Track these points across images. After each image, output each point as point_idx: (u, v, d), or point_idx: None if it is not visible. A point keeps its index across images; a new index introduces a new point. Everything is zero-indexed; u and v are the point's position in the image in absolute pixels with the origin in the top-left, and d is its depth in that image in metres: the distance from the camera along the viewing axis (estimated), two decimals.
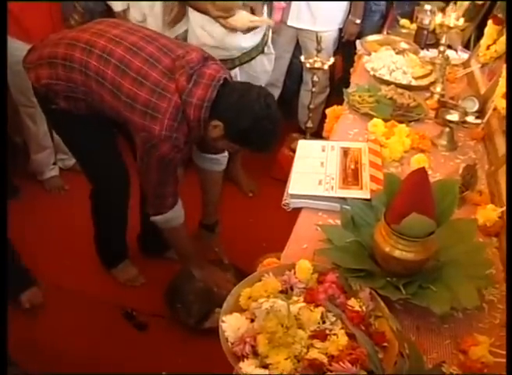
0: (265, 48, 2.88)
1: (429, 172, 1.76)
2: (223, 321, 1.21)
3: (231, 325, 1.19)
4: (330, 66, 3.06)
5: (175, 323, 2.49)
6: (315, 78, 2.98)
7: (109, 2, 2.89)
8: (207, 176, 2.42)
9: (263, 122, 1.86)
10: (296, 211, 1.70)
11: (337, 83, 3.74)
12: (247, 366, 1.11)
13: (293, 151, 3.49)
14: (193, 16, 2.65)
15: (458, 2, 2.78)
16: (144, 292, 2.66)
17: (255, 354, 1.14)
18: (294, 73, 3.64)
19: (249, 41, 2.69)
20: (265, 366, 1.11)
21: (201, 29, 2.62)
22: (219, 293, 2.35)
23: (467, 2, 2.84)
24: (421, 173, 1.27)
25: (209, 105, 1.86)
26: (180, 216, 2.19)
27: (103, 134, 2.23)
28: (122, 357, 2.36)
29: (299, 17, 3.22)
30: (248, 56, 2.80)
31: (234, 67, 2.73)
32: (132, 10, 2.81)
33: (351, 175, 1.73)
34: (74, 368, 2.28)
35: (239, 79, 2.75)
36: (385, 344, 1.17)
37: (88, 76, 1.95)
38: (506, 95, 1.79)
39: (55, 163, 3.36)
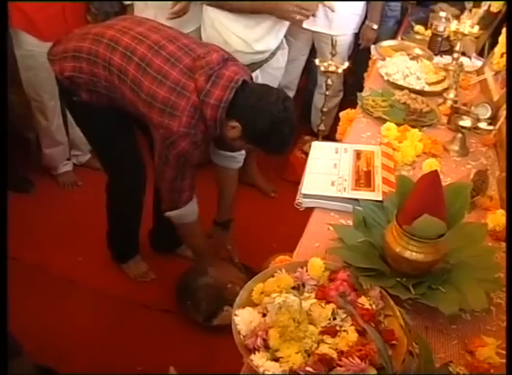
0: (283, 44, 2.93)
1: (441, 176, 1.80)
2: (236, 315, 1.23)
3: (243, 318, 1.22)
4: (344, 70, 3.08)
5: (184, 319, 2.52)
6: (329, 81, 2.99)
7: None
8: (223, 173, 2.45)
9: (280, 125, 1.91)
10: (307, 212, 1.72)
11: (350, 88, 3.78)
12: (258, 358, 1.13)
13: (305, 153, 3.55)
14: (225, 22, 2.63)
15: (473, 10, 2.80)
16: (154, 288, 2.70)
17: (266, 347, 1.16)
18: (314, 76, 3.66)
19: (277, 41, 2.74)
20: (276, 359, 1.13)
21: (235, 36, 2.63)
22: (229, 291, 2.39)
23: (482, 10, 2.87)
24: (434, 175, 1.29)
25: (226, 106, 1.90)
26: (194, 212, 2.23)
27: (122, 127, 2.27)
28: (131, 350, 2.39)
29: (314, 20, 3.22)
30: (273, 54, 2.84)
31: (259, 67, 2.76)
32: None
33: (364, 177, 1.76)
34: (82, 361, 2.32)
35: (260, 78, 2.76)
36: (394, 342, 1.19)
37: (111, 72, 2.00)
38: (507, 95, 1.81)
39: (68, 159, 3.41)
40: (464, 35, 2.36)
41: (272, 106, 1.89)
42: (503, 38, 2.42)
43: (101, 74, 2.02)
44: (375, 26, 3.33)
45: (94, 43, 2.03)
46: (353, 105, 2.36)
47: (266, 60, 2.81)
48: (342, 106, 3.28)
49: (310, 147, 3.49)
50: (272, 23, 2.61)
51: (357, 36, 3.42)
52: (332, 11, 2.85)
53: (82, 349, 2.37)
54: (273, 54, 2.83)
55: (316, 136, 3.29)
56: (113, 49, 1.99)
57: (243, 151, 2.39)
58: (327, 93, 3.07)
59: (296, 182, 1.84)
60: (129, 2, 2.88)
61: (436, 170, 1.32)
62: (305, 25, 3.12)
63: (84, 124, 2.33)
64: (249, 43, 2.64)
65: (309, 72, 3.69)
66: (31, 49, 2.87)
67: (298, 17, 2.55)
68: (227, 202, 2.55)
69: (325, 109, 3.13)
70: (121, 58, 1.97)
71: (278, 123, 1.90)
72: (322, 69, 2.90)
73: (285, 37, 2.86)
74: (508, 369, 1.10)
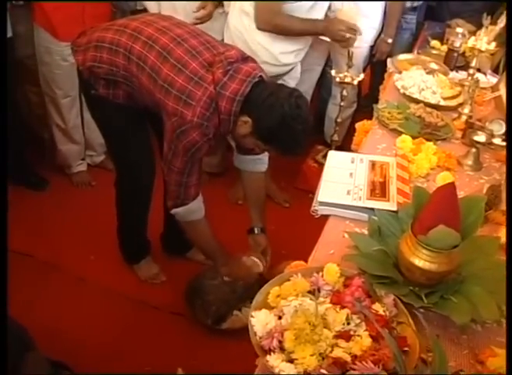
0: None
1: None
2: (252, 316, 1.26)
3: (260, 320, 1.24)
4: (358, 82, 3.12)
5: (193, 321, 2.55)
6: (344, 92, 3.04)
7: (145, 3, 2.99)
8: (252, 177, 2.39)
9: (292, 122, 1.86)
10: (318, 220, 1.74)
11: (364, 100, 3.82)
12: (273, 359, 1.16)
13: (318, 162, 3.59)
14: (254, 34, 2.70)
15: (490, 27, 2.83)
16: (165, 290, 2.73)
17: (282, 349, 1.19)
18: (328, 86, 3.70)
19: (302, 55, 2.81)
20: (291, 361, 1.16)
21: (262, 47, 2.71)
22: (239, 295, 2.41)
23: (498, 27, 2.90)
24: (451, 187, 1.32)
25: (241, 100, 1.89)
26: (201, 209, 2.19)
27: (136, 124, 2.29)
28: (139, 351, 2.42)
29: None
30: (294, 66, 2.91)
31: (280, 78, 2.82)
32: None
33: (379, 187, 1.79)
34: (92, 359, 2.34)
35: None
36: (407, 348, 1.22)
37: (130, 61, 2.01)
38: (507, 97, 1.82)
39: (83, 159, 3.46)
40: (481, 52, 2.39)
41: (284, 102, 1.86)
42: None
43: (120, 63, 2.03)
44: (390, 40, 3.37)
45: (117, 33, 2.06)
46: (367, 117, 2.39)
47: (288, 72, 2.86)
48: (355, 117, 3.33)
49: (322, 156, 3.57)
50: (304, 39, 2.67)
51: (372, 48, 3.46)
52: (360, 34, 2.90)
53: (91, 347, 2.40)
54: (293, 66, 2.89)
55: (329, 146, 3.34)
56: (136, 38, 2.01)
57: (267, 153, 2.34)
58: (342, 104, 3.12)
59: (309, 191, 1.86)
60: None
61: (453, 182, 1.34)
62: (322, 36, 3.17)
63: (99, 118, 2.37)
64: (275, 55, 2.70)
65: (323, 82, 3.73)
66: (48, 46, 2.94)
67: (348, 36, 2.62)
68: (260, 208, 2.46)
69: (339, 120, 3.19)
70: (142, 46, 1.99)
71: (289, 119, 1.85)
72: (338, 80, 2.96)
73: None
74: (508, 370, 1.12)
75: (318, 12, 2.72)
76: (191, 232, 2.29)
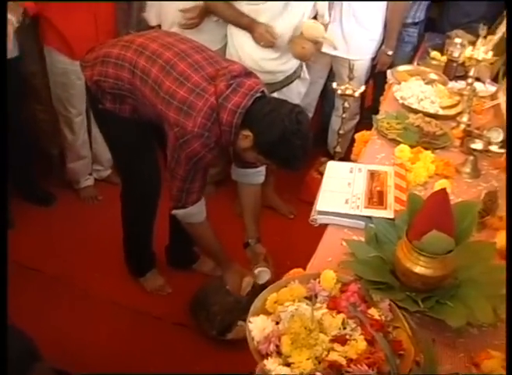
0: (302, 73, 3.03)
1: (452, 197, 1.84)
2: (250, 322, 1.29)
3: (257, 325, 1.27)
4: (361, 94, 3.16)
5: (198, 332, 2.57)
6: (346, 104, 3.07)
7: (145, 16, 3.06)
8: (250, 189, 2.41)
9: (291, 137, 1.88)
10: (322, 231, 1.77)
11: (367, 112, 3.85)
12: (270, 363, 1.18)
13: (321, 174, 3.57)
14: (240, 39, 2.79)
15: (488, 37, 2.86)
16: (170, 301, 2.75)
17: (279, 353, 1.21)
18: (331, 99, 3.74)
19: (289, 64, 2.82)
20: (288, 365, 1.18)
21: (247, 53, 2.78)
22: (243, 305, 2.42)
23: (496, 37, 2.93)
24: (443, 193, 1.35)
25: (243, 112, 1.92)
26: (201, 213, 2.21)
27: (142, 137, 2.33)
28: (145, 362, 2.44)
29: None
30: (289, 80, 2.95)
31: (276, 90, 2.85)
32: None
33: (376, 196, 1.82)
34: (98, 369, 2.36)
35: None
36: (402, 352, 1.24)
37: (135, 75, 2.06)
38: (507, 98, 1.84)
39: (90, 174, 3.51)
40: (478, 61, 2.42)
41: (285, 117, 1.88)
42: None
43: (125, 77, 2.08)
44: (390, 52, 3.40)
45: (123, 48, 2.11)
46: (369, 128, 2.42)
47: (282, 83, 2.90)
48: (358, 129, 3.35)
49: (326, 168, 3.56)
50: (283, 47, 2.72)
51: (373, 60, 3.49)
52: (335, 49, 3.03)
53: (97, 358, 2.42)
54: (289, 78, 2.93)
55: (332, 157, 3.37)
56: (140, 53, 2.06)
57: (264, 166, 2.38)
58: (344, 116, 3.15)
59: (312, 202, 1.86)
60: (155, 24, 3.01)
61: (445, 189, 1.37)
62: (324, 49, 3.22)
63: (107, 132, 2.43)
64: (256, 60, 2.76)
65: (326, 94, 3.77)
66: (64, 67, 2.99)
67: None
68: (255, 219, 2.47)
69: (341, 132, 3.22)
70: (146, 61, 2.04)
71: (289, 134, 1.88)
72: (339, 92, 2.99)
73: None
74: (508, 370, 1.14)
75: (294, 16, 2.71)
76: (192, 233, 2.33)
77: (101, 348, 2.48)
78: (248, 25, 2.67)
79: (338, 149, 3.25)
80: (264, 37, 2.62)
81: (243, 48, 2.79)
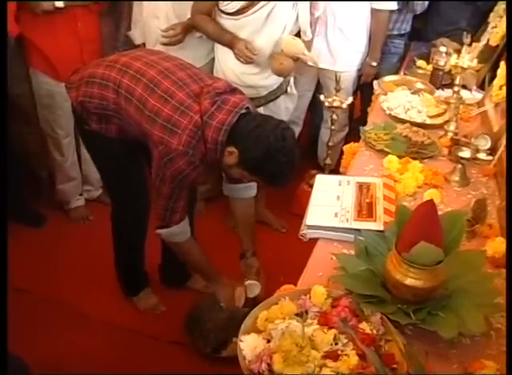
0: (288, 88, 3.01)
1: (441, 206, 1.86)
2: (241, 340, 1.28)
3: (248, 344, 1.26)
4: (349, 106, 3.16)
5: (192, 350, 2.54)
6: (334, 116, 3.07)
7: (130, 35, 3.08)
8: (242, 203, 2.40)
9: (276, 153, 1.88)
10: (314, 244, 1.76)
11: (356, 123, 3.85)
12: None
13: (312, 187, 3.58)
14: (220, 53, 2.82)
15: (473, 44, 2.87)
16: (164, 320, 2.73)
17: (271, 371, 1.21)
18: (320, 111, 3.74)
19: (271, 79, 2.82)
20: None
21: (228, 67, 2.80)
22: (237, 322, 2.40)
23: (481, 44, 2.95)
24: (430, 204, 1.35)
25: (228, 129, 1.92)
26: (184, 232, 2.21)
27: (129, 156, 2.33)
28: None
29: (319, 58, 3.32)
30: (274, 95, 2.94)
31: (261, 105, 2.85)
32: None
33: (366, 208, 1.81)
34: None
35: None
36: (395, 365, 1.23)
37: (119, 94, 2.07)
38: (507, 99, 1.84)
39: (81, 194, 3.49)
40: (464, 69, 2.42)
41: (269, 134, 1.88)
42: (501, 71, 2.49)
43: (109, 97, 2.09)
44: (374, 64, 3.41)
45: (107, 68, 2.12)
46: (358, 140, 2.42)
47: (265, 98, 2.91)
48: (348, 141, 3.36)
49: None
50: (264, 63, 2.73)
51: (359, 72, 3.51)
52: (316, 65, 3.04)
53: None
54: (273, 93, 2.93)
55: (322, 170, 3.37)
56: (124, 73, 2.07)
57: None
58: (333, 127, 3.16)
59: (303, 215, 1.87)
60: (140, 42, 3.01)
61: (432, 200, 1.37)
62: (310, 62, 3.23)
63: (94, 152, 2.44)
64: (238, 75, 2.77)
65: (315, 107, 3.78)
66: (49, 89, 2.99)
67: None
68: (250, 233, 2.47)
69: (331, 144, 3.22)
70: (130, 79, 2.05)
71: (274, 151, 1.88)
72: (327, 104, 3.00)
73: None
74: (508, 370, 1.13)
75: (274, 31, 2.70)
76: (177, 250, 2.32)
77: (95, 368, 2.44)
78: (229, 41, 2.67)
79: (328, 161, 3.25)
80: (244, 53, 2.62)
81: (226, 63, 2.80)
